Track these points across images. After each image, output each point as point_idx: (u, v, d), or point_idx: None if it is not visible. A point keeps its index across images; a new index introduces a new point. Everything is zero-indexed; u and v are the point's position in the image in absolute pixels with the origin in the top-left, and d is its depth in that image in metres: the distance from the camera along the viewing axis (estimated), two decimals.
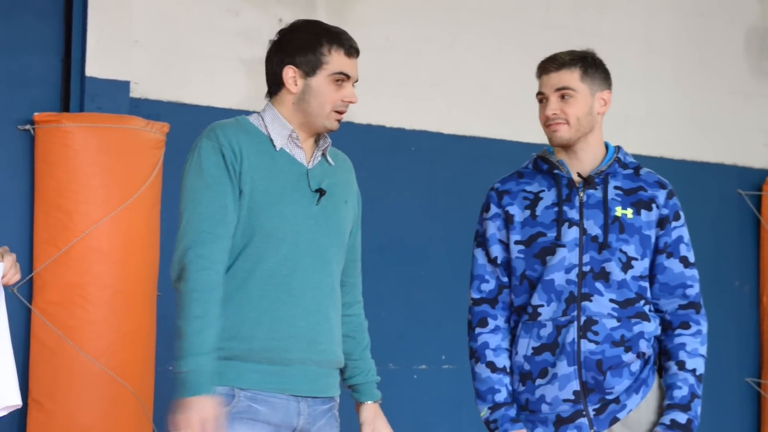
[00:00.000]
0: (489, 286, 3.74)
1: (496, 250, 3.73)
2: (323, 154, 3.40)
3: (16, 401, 3.03)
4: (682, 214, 3.72)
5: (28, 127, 5.07)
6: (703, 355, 3.68)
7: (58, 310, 4.92)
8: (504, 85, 6.48)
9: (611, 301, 3.59)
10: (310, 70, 3.32)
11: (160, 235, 5.15)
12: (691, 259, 3.71)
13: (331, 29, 3.38)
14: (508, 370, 3.70)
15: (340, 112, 3.35)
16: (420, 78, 6.22)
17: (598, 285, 3.59)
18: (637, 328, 3.60)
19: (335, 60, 3.33)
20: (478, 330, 3.74)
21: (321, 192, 3.33)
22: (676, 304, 3.69)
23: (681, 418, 3.60)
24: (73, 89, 5.17)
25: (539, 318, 3.62)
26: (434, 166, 6.26)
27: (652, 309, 3.67)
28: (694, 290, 3.71)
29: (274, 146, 3.32)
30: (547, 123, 3.67)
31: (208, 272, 3.19)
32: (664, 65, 7.07)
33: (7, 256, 3.11)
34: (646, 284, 3.66)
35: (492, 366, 3.70)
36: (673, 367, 3.66)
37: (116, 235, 4.94)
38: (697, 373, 3.66)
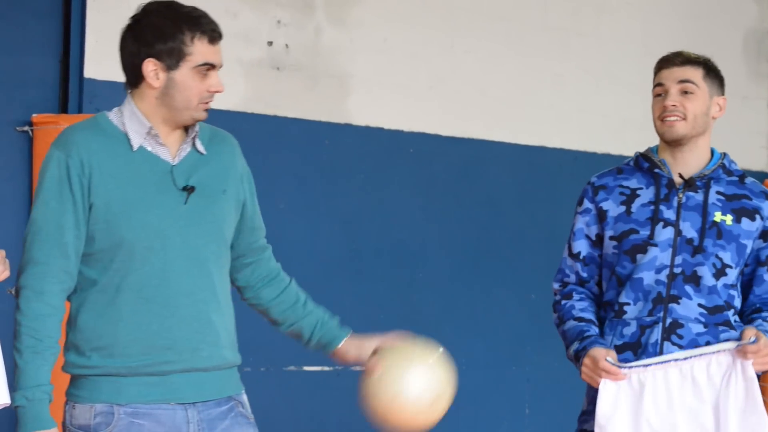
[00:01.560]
0: (569, 280, 3.71)
1: (580, 245, 3.69)
2: (194, 145, 3.15)
3: (5, 400, 2.98)
4: None
5: (26, 128, 5.07)
6: None
7: None
8: (502, 87, 6.49)
9: (700, 305, 3.53)
10: (172, 62, 3.05)
11: None
12: None
13: (191, 13, 3.09)
14: (596, 324, 3.61)
15: (207, 102, 3.11)
16: (418, 80, 6.22)
17: (688, 288, 3.53)
18: (723, 336, 3.52)
19: (199, 50, 3.06)
20: (564, 301, 3.68)
21: (189, 189, 3.09)
22: None
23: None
24: (71, 90, 5.17)
25: (624, 316, 3.56)
26: (432, 168, 6.26)
27: (738, 320, 3.59)
28: None
29: (132, 146, 3.08)
30: (662, 116, 3.60)
31: (36, 304, 3.01)
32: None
33: None
34: (735, 293, 3.59)
35: (580, 318, 3.62)
36: (758, 320, 3.55)
37: None
38: None
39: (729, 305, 3.56)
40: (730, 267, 3.56)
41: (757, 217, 3.60)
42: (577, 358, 3.56)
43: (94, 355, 3.06)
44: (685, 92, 3.60)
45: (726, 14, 7.33)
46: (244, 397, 3.24)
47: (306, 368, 5.82)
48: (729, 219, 3.57)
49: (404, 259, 6.16)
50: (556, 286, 3.75)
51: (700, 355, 3.44)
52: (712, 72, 3.65)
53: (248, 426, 3.21)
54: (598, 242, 3.67)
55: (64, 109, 5.17)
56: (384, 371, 3.23)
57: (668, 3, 7.13)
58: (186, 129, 3.15)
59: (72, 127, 3.13)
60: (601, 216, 3.66)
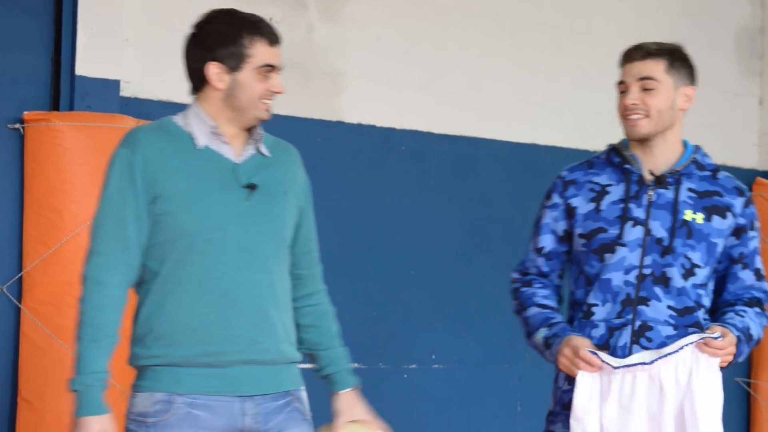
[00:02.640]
0: (530, 271, 3.66)
1: (545, 240, 3.62)
2: (258, 148, 3.28)
3: None
4: (757, 223, 3.58)
5: (17, 126, 5.06)
6: (761, 328, 3.53)
7: (47, 309, 4.91)
8: (495, 84, 6.48)
9: (669, 307, 3.45)
10: (235, 65, 3.21)
11: None
12: (763, 271, 3.59)
13: (249, 18, 3.25)
14: (560, 312, 3.56)
15: (268, 102, 3.25)
16: (411, 77, 6.21)
17: (657, 290, 3.46)
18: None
19: (259, 51, 3.21)
20: (524, 288, 3.63)
21: (251, 187, 3.21)
22: (743, 300, 3.57)
23: (733, 330, 3.44)
24: (63, 88, 5.15)
25: (592, 318, 3.48)
26: (425, 166, 6.26)
27: (707, 318, 3.53)
28: (764, 296, 3.59)
29: (197, 145, 3.21)
30: (625, 113, 3.52)
31: (97, 295, 3.13)
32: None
33: None
34: (704, 292, 3.52)
35: (543, 306, 3.57)
36: (730, 313, 3.52)
37: None
38: (752, 332, 3.50)
39: (698, 305, 3.50)
40: (699, 267, 3.49)
41: (729, 214, 3.52)
42: (547, 345, 3.50)
43: (155, 344, 3.18)
44: (646, 89, 3.50)
45: (718, 11, 7.33)
46: (303, 394, 3.34)
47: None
48: (700, 217, 3.49)
49: (396, 256, 6.16)
50: (515, 275, 3.69)
51: (667, 355, 3.36)
52: (677, 62, 3.55)
53: (303, 422, 3.29)
54: (565, 238, 3.60)
55: (55, 106, 5.16)
56: None
57: (661, 1, 7.13)
58: (249, 133, 3.28)
59: (139, 127, 3.27)
60: (569, 212, 3.58)
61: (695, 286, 3.49)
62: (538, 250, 3.64)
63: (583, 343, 3.41)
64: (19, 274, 5.00)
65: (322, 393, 3.46)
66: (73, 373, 3.13)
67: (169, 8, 5.49)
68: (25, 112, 5.04)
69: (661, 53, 3.54)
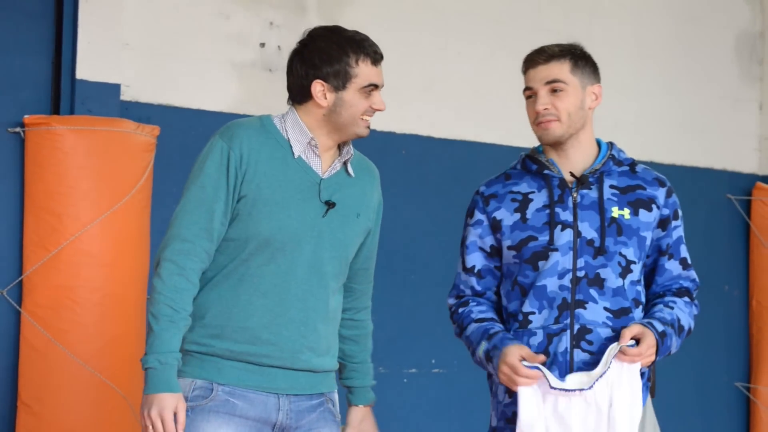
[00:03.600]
0: (464, 294, 3.58)
1: (474, 259, 3.54)
2: (345, 165, 3.37)
3: None
4: (680, 211, 3.55)
5: (18, 129, 5.06)
6: (691, 317, 3.50)
7: (47, 312, 4.91)
8: (494, 89, 6.48)
9: (605, 309, 3.39)
10: (339, 84, 3.28)
11: (150, 239, 5.15)
12: (689, 260, 3.56)
13: (354, 37, 3.33)
14: (499, 322, 3.48)
15: (368, 119, 3.35)
16: (411, 82, 6.22)
17: (593, 291, 3.39)
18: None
19: (363, 71, 3.31)
20: (460, 309, 3.55)
21: (330, 204, 3.30)
22: (671, 290, 3.54)
23: (658, 325, 3.39)
24: (63, 92, 5.16)
25: (530, 326, 3.41)
26: (425, 170, 6.26)
27: (641, 316, 3.47)
28: (692, 285, 3.55)
29: (293, 153, 3.29)
30: (537, 120, 3.45)
31: (178, 278, 3.21)
32: (655, 70, 7.08)
33: None
34: (641, 288, 3.47)
35: (480, 320, 3.48)
36: (659, 305, 3.48)
37: (106, 239, 4.94)
38: (683, 323, 3.47)
39: (637, 302, 3.44)
40: (634, 263, 3.44)
41: (653, 206, 3.48)
42: (489, 358, 3.40)
43: (204, 332, 3.25)
44: (554, 91, 3.45)
45: (718, 17, 7.33)
46: (335, 396, 3.44)
47: None
48: (627, 213, 3.43)
49: (397, 261, 6.16)
50: (450, 300, 3.59)
51: (601, 377, 3.30)
52: (581, 61, 3.49)
53: (333, 423, 3.39)
54: (494, 253, 3.52)
55: (56, 110, 5.17)
56: None
57: (660, 6, 7.13)
58: (339, 150, 3.35)
59: (239, 122, 3.31)
60: (495, 226, 3.50)
61: (633, 283, 3.44)
62: (469, 270, 3.55)
63: (519, 354, 3.32)
64: (19, 278, 5.00)
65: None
66: (148, 351, 3.19)
67: (169, 13, 5.50)
68: (26, 116, 5.04)
69: (564, 54, 3.47)
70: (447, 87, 6.33)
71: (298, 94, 3.33)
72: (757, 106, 7.44)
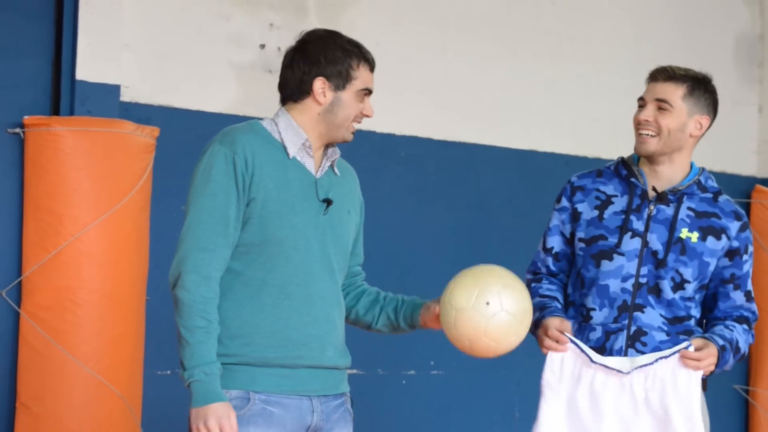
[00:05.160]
0: (540, 271, 3.83)
1: (554, 241, 3.80)
2: (331, 165, 3.46)
3: None
4: (752, 247, 3.74)
5: (18, 130, 5.05)
6: (747, 344, 3.70)
7: (47, 313, 4.91)
8: (494, 91, 6.49)
9: (661, 315, 3.63)
10: (340, 83, 3.37)
11: (150, 240, 5.15)
12: (753, 294, 3.75)
13: (353, 42, 3.44)
14: (560, 301, 3.73)
15: (356, 124, 3.45)
16: (410, 84, 6.22)
17: (651, 298, 3.63)
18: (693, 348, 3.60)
19: (362, 75, 3.40)
20: (533, 284, 3.80)
21: (328, 202, 3.38)
22: (732, 317, 3.74)
23: (718, 339, 3.61)
24: (63, 93, 5.16)
25: (591, 321, 3.66)
26: (424, 172, 6.26)
27: (698, 327, 3.71)
28: (753, 316, 3.74)
29: (287, 154, 3.36)
30: (637, 127, 3.70)
31: (204, 289, 3.24)
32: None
33: None
34: (692, 305, 3.69)
35: (544, 296, 3.74)
36: (719, 326, 3.68)
37: (106, 239, 4.93)
38: (740, 344, 3.66)
39: (689, 315, 3.67)
40: (689, 282, 3.65)
41: (723, 236, 3.68)
42: (536, 326, 3.67)
43: (232, 343, 3.28)
44: (660, 108, 3.68)
45: (717, 19, 7.34)
46: (350, 396, 3.52)
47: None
48: (695, 236, 3.66)
49: (395, 261, 6.16)
50: (528, 276, 3.86)
51: (642, 366, 3.52)
52: (698, 91, 3.71)
53: (349, 422, 3.48)
54: (571, 240, 3.78)
55: (55, 111, 5.16)
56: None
57: (660, 8, 7.13)
58: (325, 150, 3.43)
59: (235, 128, 3.38)
60: (575, 216, 3.76)
61: (683, 299, 3.65)
62: (548, 250, 3.81)
63: (553, 323, 3.60)
64: (19, 279, 5.00)
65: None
66: (189, 366, 3.20)
67: (169, 14, 5.50)
68: (26, 117, 5.03)
69: (683, 79, 3.72)
70: (446, 89, 6.33)
71: (296, 91, 3.41)
72: (757, 108, 7.45)
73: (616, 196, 3.72)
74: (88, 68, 5.17)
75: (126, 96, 5.34)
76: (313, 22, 5.82)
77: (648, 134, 3.67)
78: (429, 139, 6.28)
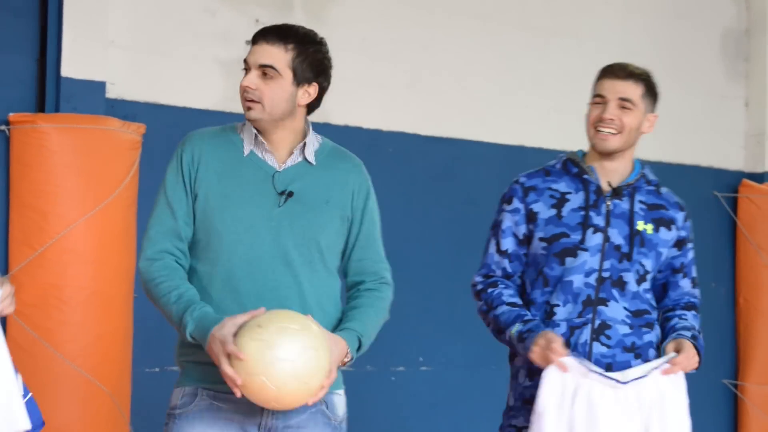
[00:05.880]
0: (494, 274, 3.82)
1: (508, 243, 3.80)
2: (303, 155, 3.38)
3: (24, 426, 3.11)
4: (692, 235, 3.88)
5: (2, 127, 5.04)
6: (699, 327, 3.82)
7: (33, 311, 4.89)
8: (481, 86, 6.48)
9: (625, 309, 3.70)
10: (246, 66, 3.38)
11: (137, 237, 5.13)
12: (697, 280, 3.90)
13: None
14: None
15: (244, 100, 3.33)
16: (397, 79, 6.21)
17: (615, 292, 3.69)
18: (647, 337, 3.72)
19: (248, 54, 3.36)
20: (490, 289, 3.79)
21: (286, 194, 3.31)
22: (680, 305, 3.86)
23: (686, 333, 3.72)
24: (48, 89, 5.14)
25: (554, 317, 3.69)
26: (411, 168, 6.25)
27: (657, 319, 3.80)
28: (698, 302, 3.89)
29: (243, 151, 3.35)
30: (598, 125, 3.73)
31: (151, 268, 3.28)
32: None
33: (6, 285, 3.14)
34: (651, 296, 3.79)
35: (512, 304, 3.74)
36: (674, 318, 3.79)
37: (92, 237, 4.92)
38: (699, 330, 3.79)
39: (651, 306, 3.77)
40: (648, 273, 3.76)
41: (673, 227, 3.80)
42: (521, 339, 3.64)
43: (192, 343, 3.25)
44: (623, 107, 3.73)
45: (704, 14, 7.34)
46: (334, 398, 3.37)
47: None
48: (650, 228, 3.76)
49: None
50: (477, 278, 3.85)
51: (635, 379, 3.59)
52: (650, 90, 3.80)
53: (326, 426, 3.35)
54: (524, 241, 3.79)
55: (41, 108, 5.15)
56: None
57: (647, 3, 7.13)
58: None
59: (199, 130, 3.43)
60: (530, 217, 3.77)
61: (645, 290, 3.76)
62: (503, 252, 3.81)
63: (557, 337, 3.59)
64: (5, 277, 4.97)
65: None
66: (179, 322, 3.21)
67: (155, 10, 5.49)
68: (11, 114, 5.02)
69: (641, 78, 3.78)
70: (433, 84, 6.32)
71: None
72: (743, 103, 7.45)
73: (570, 193, 3.75)
74: (74, 65, 5.15)
75: (112, 93, 5.33)
76: (299, 18, 5.81)
77: (609, 131, 3.71)
78: (416, 135, 6.27)
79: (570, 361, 3.57)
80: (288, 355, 3.06)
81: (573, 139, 7.05)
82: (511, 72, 6.61)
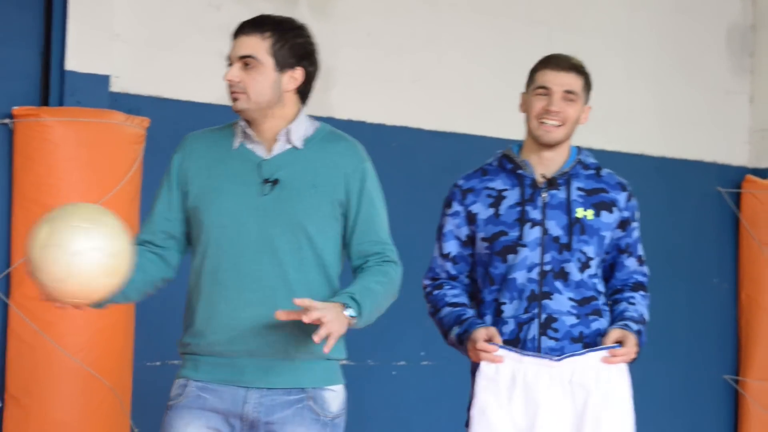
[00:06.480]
0: (440, 276, 3.88)
1: (450, 246, 3.84)
2: (290, 141, 3.36)
3: None
4: (638, 213, 3.86)
5: (6, 121, 5.03)
6: (648, 309, 3.85)
7: (35, 305, 4.88)
8: (485, 80, 6.47)
9: (570, 299, 3.70)
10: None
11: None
12: (644, 257, 3.89)
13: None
14: (471, 307, 3.78)
15: (230, 93, 3.35)
16: (401, 73, 6.20)
17: (558, 284, 3.70)
18: (594, 325, 3.72)
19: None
20: (435, 291, 3.87)
21: (271, 181, 3.30)
22: (628, 285, 3.87)
23: (633, 326, 3.73)
24: (52, 83, 5.14)
25: (502, 315, 3.71)
26: (415, 162, 6.25)
27: (605, 303, 3.81)
28: (645, 279, 3.89)
29: (233, 144, 3.38)
30: (542, 117, 3.74)
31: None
32: (646, 62, 7.07)
33: None
34: (598, 280, 3.79)
35: (454, 304, 3.79)
36: (623, 303, 3.81)
37: None
38: (645, 316, 3.81)
39: (597, 292, 3.76)
40: (592, 258, 3.75)
41: (615, 209, 3.78)
42: (460, 341, 3.72)
43: (186, 334, 3.35)
44: (569, 100, 3.74)
45: (709, 9, 7.33)
46: (325, 393, 3.35)
47: None
48: (590, 214, 3.75)
49: None
50: (426, 281, 3.94)
51: (571, 355, 3.63)
52: (588, 82, 3.82)
53: (313, 422, 3.32)
54: (468, 242, 3.82)
55: (45, 101, 5.14)
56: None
57: None
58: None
59: (198, 130, 3.49)
60: (470, 219, 3.80)
61: (590, 276, 3.75)
62: (445, 256, 3.86)
63: (486, 334, 3.64)
64: (8, 270, 4.98)
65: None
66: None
67: (160, 3, 5.48)
68: (15, 107, 5.01)
69: (582, 70, 3.80)
70: (437, 79, 6.31)
71: None
72: (748, 98, 7.44)
73: (507, 189, 3.76)
74: (78, 58, 5.15)
75: (116, 86, 5.32)
76: (304, 12, 5.80)
77: (554, 124, 3.73)
78: (420, 130, 6.26)
79: (502, 351, 3.62)
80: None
81: (577, 133, 7.06)
82: (516, 66, 6.58)
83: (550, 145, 3.76)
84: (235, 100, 3.33)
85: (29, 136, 4.95)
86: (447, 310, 3.79)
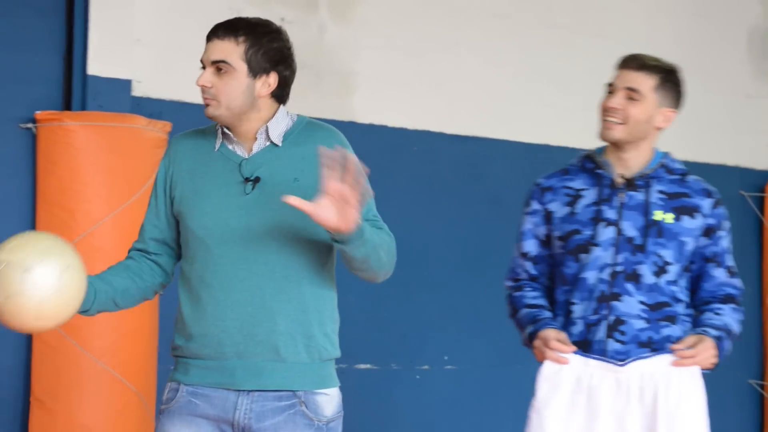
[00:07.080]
0: (520, 277, 3.84)
1: (529, 245, 3.80)
2: (269, 139, 3.29)
3: None
4: (727, 223, 3.74)
5: (29, 125, 5.06)
6: (738, 323, 3.71)
7: None
8: (506, 85, 6.48)
9: (641, 302, 3.62)
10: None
11: None
12: (735, 269, 3.76)
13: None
14: (549, 309, 3.74)
15: (203, 98, 3.29)
16: (422, 78, 6.21)
17: (629, 286, 3.62)
18: (665, 331, 3.63)
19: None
20: (515, 293, 3.83)
21: (252, 180, 3.23)
22: (717, 297, 3.75)
23: (712, 332, 3.62)
24: (75, 87, 5.16)
25: (572, 315, 3.67)
26: (436, 167, 6.25)
27: (686, 312, 3.70)
28: (737, 292, 3.76)
29: (215, 146, 3.31)
30: (604, 114, 3.69)
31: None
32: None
33: None
34: (679, 289, 3.68)
35: (531, 305, 3.75)
36: (708, 313, 3.70)
37: (118, 234, 4.92)
38: (732, 327, 3.68)
39: (675, 299, 3.66)
40: (670, 264, 3.65)
41: (698, 215, 3.68)
42: (531, 340, 3.69)
43: (178, 338, 3.30)
44: (630, 98, 3.66)
45: (730, 12, 7.32)
46: (318, 398, 3.26)
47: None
48: (670, 217, 3.66)
49: (408, 257, 6.12)
50: (507, 282, 3.89)
51: (638, 359, 3.55)
52: (668, 83, 3.71)
53: (306, 427, 3.24)
54: (547, 242, 3.78)
55: (67, 106, 5.17)
56: None
57: (673, 2, 7.12)
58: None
59: (182, 132, 3.48)
60: (548, 217, 3.76)
61: (668, 282, 3.65)
62: (524, 255, 3.82)
63: (551, 335, 3.60)
64: None
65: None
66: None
67: (181, 8, 5.50)
68: (37, 112, 5.04)
69: (655, 70, 3.70)
70: (458, 83, 6.32)
71: None
72: None
73: (585, 189, 3.72)
74: (100, 63, 5.17)
75: (137, 91, 5.34)
76: (324, 17, 5.81)
77: (614, 121, 3.66)
78: (441, 134, 6.27)
79: (568, 354, 3.57)
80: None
81: (597, 138, 7.07)
82: (536, 70, 6.61)
83: (616, 145, 3.69)
84: (206, 105, 3.27)
85: (52, 140, 4.97)
86: (524, 311, 3.74)
